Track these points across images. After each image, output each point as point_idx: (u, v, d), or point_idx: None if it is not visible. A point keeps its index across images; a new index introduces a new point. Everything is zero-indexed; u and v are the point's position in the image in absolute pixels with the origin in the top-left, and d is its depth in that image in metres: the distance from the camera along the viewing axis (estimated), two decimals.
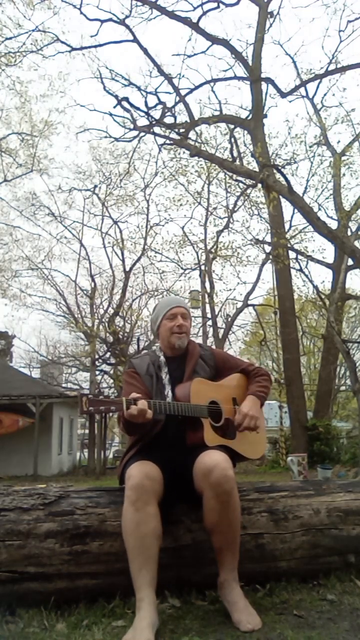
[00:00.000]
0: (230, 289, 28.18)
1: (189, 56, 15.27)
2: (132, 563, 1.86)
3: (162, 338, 2.36)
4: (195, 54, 14.66)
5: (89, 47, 14.51)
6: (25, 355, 25.26)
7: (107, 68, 22.63)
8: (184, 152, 13.39)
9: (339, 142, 13.94)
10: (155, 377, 2.27)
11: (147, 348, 18.67)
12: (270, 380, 2.44)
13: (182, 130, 11.71)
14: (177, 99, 12.83)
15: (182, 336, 2.32)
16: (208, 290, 16.83)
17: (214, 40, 13.40)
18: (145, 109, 11.76)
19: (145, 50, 13.32)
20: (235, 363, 2.47)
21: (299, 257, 13.78)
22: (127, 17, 13.25)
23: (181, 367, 2.31)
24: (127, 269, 19.85)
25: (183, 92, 13.05)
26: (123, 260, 20.03)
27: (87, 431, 20.81)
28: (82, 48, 14.27)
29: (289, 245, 12.80)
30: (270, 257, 13.78)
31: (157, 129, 12.12)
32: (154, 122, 11.76)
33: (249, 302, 16.54)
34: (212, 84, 14.24)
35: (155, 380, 2.27)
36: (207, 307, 17.38)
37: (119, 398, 1.98)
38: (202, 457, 1.98)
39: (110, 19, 13.37)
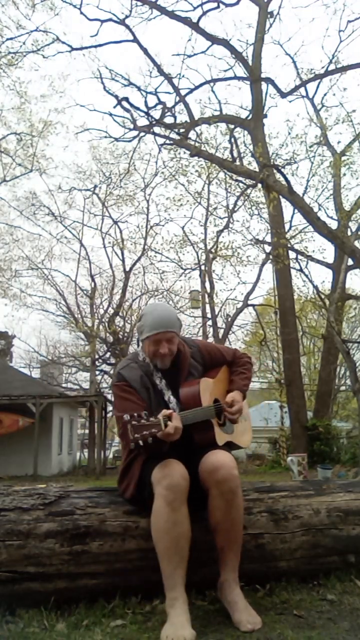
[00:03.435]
0: (230, 289, 28.27)
1: (189, 56, 15.20)
2: (167, 563, 1.87)
3: (146, 353, 2.24)
4: (195, 54, 14.59)
5: (89, 47, 14.56)
6: (25, 355, 25.31)
7: (107, 68, 22.62)
8: (184, 152, 13.38)
9: (339, 142, 13.89)
10: (151, 388, 2.20)
11: None
12: (252, 364, 2.47)
13: (182, 130, 11.71)
14: (177, 99, 12.84)
15: (165, 360, 2.21)
16: (208, 290, 16.82)
17: (214, 40, 13.40)
18: (145, 109, 11.78)
19: (145, 50, 13.33)
20: (222, 355, 2.43)
21: (299, 257, 13.78)
22: (127, 17, 13.27)
23: (174, 370, 2.24)
24: (127, 269, 19.90)
25: (183, 92, 13.06)
26: (123, 260, 20.07)
27: (87, 431, 20.82)
28: (82, 48, 14.31)
29: (289, 245, 12.80)
30: (270, 257, 13.77)
31: (157, 129, 12.13)
32: (154, 122, 11.77)
33: (249, 302, 16.52)
34: (212, 84, 14.26)
35: (152, 391, 2.19)
36: (207, 307, 17.38)
37: (155, 419, 1.87)
38: (209, 456, 2.00)
39: (110, 19, 13.39)
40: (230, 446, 2.31)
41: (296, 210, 10.94)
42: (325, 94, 15.56)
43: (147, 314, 2.25)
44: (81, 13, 13.25)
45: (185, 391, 2.16)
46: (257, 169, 10.75)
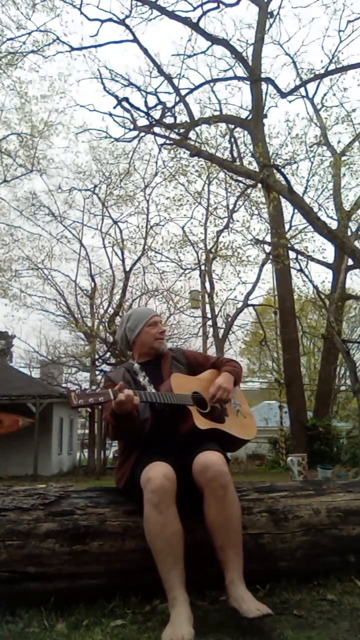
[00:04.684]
0: (230, 289, 28.11)
1: (189, 56, 15.20)
2: (161, 565, 1.88)
3: (143, 344, 2.46)
4: (195, 54, 14.62)
5: (89, 47, 14.60)
6: (25, 355, 25.23)
7: (107, 68, 22.62)
8: (184, 152, 13.37)
9: (339, 142, 13.78)
10: (132, 383, 2.33)
11: None
12: (240, 366, 2.55)
13: (182, 130, 11.71)
14: (177, 99, 12.85)
15: (163, 341, 2.49)
16: (208, 290, 16.79)
17: (214, 40, 13.41)
18: (145, 109, 11.77)
19: (145, 50, 13.35)
20: (205, 358, 2.60)
21: (299, 257, 13.75)
22: (127, 17, 13.28)
23: (158, 368, 2.41)
24: (127, 269, 19.82)
25: (183, 92, 13.07)
26: (123, 260, 20.01)
27: (87, 431, 20.81)
28: (82, 48, 14.32)
29: (289, 245, 12.79)
30: (270, 257, 13.77)
31: (157, 129, 12.12)
32: (154, 122, 11.76)
33: (249, 302, 16.50)
34: (212, 84, 14.28)
35: (134, 385, 2.30)
36: (207, 307, 17.35)
37: (105, 390, 1.99)
38: (198, 457, 2.03)
39: (110, 19, 13.40)
40: (231, 443, 2.33)
41: (296, 210, 10.94)
42: (325, 94, 15.54)
43: (131, 315, 2.53)
44: (81, 13, 13.30)
45: (162, 385, 2.28)
46: (257, 169, 10.74)
